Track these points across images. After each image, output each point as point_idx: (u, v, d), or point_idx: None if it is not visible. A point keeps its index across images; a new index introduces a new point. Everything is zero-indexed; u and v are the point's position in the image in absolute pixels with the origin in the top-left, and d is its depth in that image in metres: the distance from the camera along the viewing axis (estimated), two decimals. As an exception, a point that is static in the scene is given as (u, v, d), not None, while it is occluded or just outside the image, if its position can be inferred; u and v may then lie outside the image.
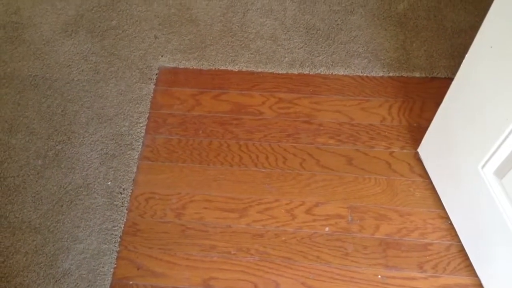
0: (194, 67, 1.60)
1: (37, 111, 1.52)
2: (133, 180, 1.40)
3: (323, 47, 1.58)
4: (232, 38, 1.64)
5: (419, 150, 1.36)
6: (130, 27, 1.67)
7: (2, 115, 1.51)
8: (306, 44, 1.60)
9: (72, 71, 1.59)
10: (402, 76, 1.50)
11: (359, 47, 1.57)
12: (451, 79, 1.08)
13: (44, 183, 1.40)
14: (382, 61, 1.53)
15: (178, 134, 1.47)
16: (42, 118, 1.50)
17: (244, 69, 1.58)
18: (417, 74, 1.50)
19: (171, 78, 1.59)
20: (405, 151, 1.38)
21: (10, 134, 1.48)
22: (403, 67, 1.51)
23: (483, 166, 1.05)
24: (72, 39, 1.65)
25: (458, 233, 1.24)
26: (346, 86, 1.50)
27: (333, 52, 1.57)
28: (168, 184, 1.39)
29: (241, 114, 1.49)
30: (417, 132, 1.40)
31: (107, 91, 1.55)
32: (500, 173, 1.02)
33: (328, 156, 1.39)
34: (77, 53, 1.63)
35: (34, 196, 1.38)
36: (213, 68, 1.59)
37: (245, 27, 1.65)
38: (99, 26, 1.68)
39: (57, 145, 1.45)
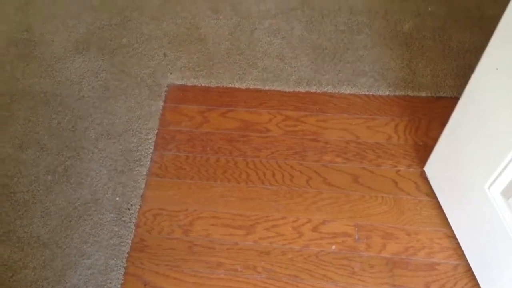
0: (203, 85, 1.62)
1: (48, 127, 1.54)
2: (141, 196, 1.41)
3: (329, 66, 1.60)
4: (240, 56, 1.66)
5: (425, 169, 1.37)
6: (140, 45, 1.70)
7: (13, 131, 1.53)
8: (312, 62, 1.62)
9: (83, 88, 1.61)
10: (408, 95, 1.52)
11: (365, 66, 1.59)
12: (457, 99, 1.10)
13: (53, 199, 1.41)
14: (388, 80, 1.55)
15: (186, 151, 1.49)
16: (53, 134, 1.52)
17: (252, 86, 1.60)
18: (423, 94, 1.51)
19: (180, 95, 1.61)
20: (411, 169, 1.39)
21: (20, 149, 1.50)
22: (409, 86, 1.53)
23: (490, 186, 1.05)
24: (83, 57, 1.68)
25: (465, 253, 1.24)
26: (352, 105, 1.52)
27: (340, 71, 1.59)
28: (175, 201, 1.40)
29: (249, 132, 1.51)
30: (423, 151, 1.41)
31: (116, 107, 1.57)
32: (507, 193, 1.03)
33: (335, 174, 1.40)
34: (88, 70, 1.65)
35: (43, 211, 1.39)
36: (221, 86, 1.61)
37: (253, 46, 1.68)
38: (110, 44, 1.71)
39: (66, 161, 1.47)
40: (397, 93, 1.52)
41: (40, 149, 1.50)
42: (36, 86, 1.63)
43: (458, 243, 1.26)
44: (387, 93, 1.53)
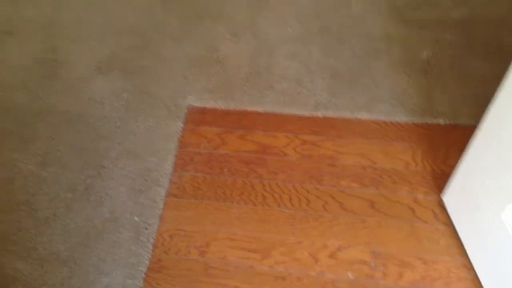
0: (221, 107, 1.65)
1: (70, 145, 1.58)
2: (159, 216, 1.43)
3: (347, 91, 1.62)
4: (258, 79, 1.69)
5: (443, 197, 1.37)
6: (161, 66, 1.74)
7: (35, 149, 1.57)
8: (330, 87, 1.64)
9: (105, 108, 1.65)
10: (425, 122, 1.52)
11: (382, 92, 1.60)
12: (475, 127, 1.11)
13: (73, 216, 1.44)
14: (406, 106, 1.56)
15: (204, 172, 1.51)
16: (74, 152, 1.56)
17: (270, 110, 1.63)
18: (440, 121, 1.52)
19: (199, 117, 1.64)
20: (429, 197, 1.39)
21: (42, 167, 1.53)
22: (426, 113, 1.54)
23: (507, 215, 1.05)
24: (106, 77, 1.73)
25: (483, 283, 1.23)
26: (369, 130, 1.53)
27: (357, 96, 1.60)
28: (192, 222, 1.42)
29: (266, 155, 1.53)
30: (440, 179, 1.41)
31: (137, 127, 1.60)
32: (526, 225, 1.02)
33: (351, 199, 1.41)
34: (110, 90, 1.70)
35: (63, 229, 1.42)
36: (239, 108, 1.64)
37: (271, 69, 1.71)
38: (131, 65, 1.75)
39: (87, 179, 1.50)
40: (414, 120, 1.53)
41: (62, 167, 1.53)
42: (60, 105, 1.67)
43: (475, 274, 1.25)
44: (404, 119, 1.54)
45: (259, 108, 1.63)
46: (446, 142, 1.48)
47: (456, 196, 1.30)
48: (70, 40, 1.83)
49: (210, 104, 1.66)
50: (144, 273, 1.34)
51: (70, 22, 1.88)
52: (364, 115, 1.56)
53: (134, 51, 1.79)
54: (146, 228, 1.41)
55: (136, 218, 1.43)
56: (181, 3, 1.89)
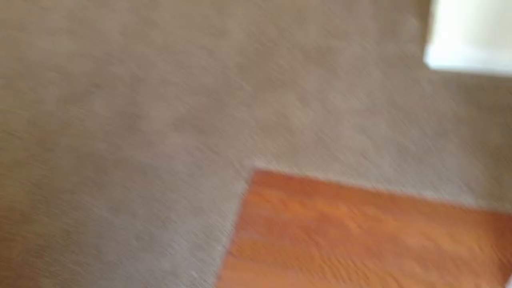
0: (285, 172, 1.70)
1: (141, 195, 1.67)
2: (217, 274, 1.46)
3: (413, 169, 1.62)
4: (323, 148, 1.73)
5: (510, 290, 1.31)
6: (231, 128, 1.84)
7: (109, 195, 1.68)
8: (396, 163, 1.65)
9: (176, 163, 1.75)
10: (494, 209, 1.49)
11: (450, 173, 1.59)
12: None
13: (137, 264, 1.50)
14: (474, 190, 1.54)
15: (264, 235, 1.54)
16: (144, 202, 1.65)
17: (333, 179, 1.65)
18: (509, 208, 1.48)
19: (263, 179, 1.69)
20: (494, 288, 1.34)
21: (114, 213, 1.63)
22: (495, 199, 1.50)
23: None
24: (179, 133, 1.84)
25: None
26: (434, 211, 1.51)
27: (423, 174, 1.60)
28: (248, 284, 1.43)
29: (326, 224, 1.54)
30: (506, 269, 1.36)
31: (203, 184, 1.68)
32: None
33: (412, 282, 1.38)
34: (182, 146, 1.80)
35: (126, 275, 1.48)
36: (303, 175, 1.68)
37: (337, 140, 1.75)
38: (204, 125, 1.86)
39: (153, 230, 1.58)
40: (482, 205, 1.50)
41: (131, 215, 1.62)
42: (136, 156, 1.79)
43: None
44: (472, 203, 1.51)
45: (323, 176, 1.66)
46: (516, 232, 1.44)
47: (525, 291, 1.24)
48: (151, 96, 1.98)
49: (274, 168, 1.71)
50: (198, 331, 1.36)
51: (153, 80, 2.04)
52: (430, 195, 1.55)
53: (207, 112, 1.90)
54: (203, 286, 1.44)
55: (194, 274, 1.47)
56: (255, 70, 2.01)
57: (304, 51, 2.02)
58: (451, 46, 1.88)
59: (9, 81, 2.09)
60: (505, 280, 1.34)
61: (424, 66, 1.94)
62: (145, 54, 2.13)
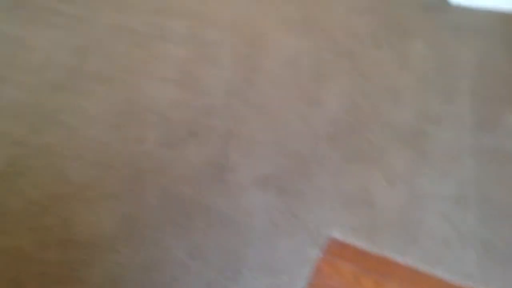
0: (362, 247, 1.68)
1: (217, 244, 1.73)
2: None
3: (500, 269, 1.53)
4: (404, 230, 1.70)
5: None
6: (313, 194, 1.87)
7: (189, 239, 1.75)
8: (481, 259, 1.57)
9: (255, 219, 1.80)
10: None
11: (542, 281, 1.49)
12: None
13: (203, 312, 1.53)
14: None
15: (332, 308, 1.51)
16: (220, 252, 1.70)
17: (410, 263, 1.60)
18: None
19: (338, 250, 1.68)
20: None
21: (190, 257, 1.69)
22: None
23: None
24: (262, 191, 1.90)
25: None
26: (520, 319, 1.41)
27: (511, 278, 1.51)
28: None
29: (399, 310, 1.48)
30: None
31: (278, 245, 1.70)
32: None
33: None
34: (263, 204, 1.85)
35: (191, 321, 1.51)
36: (379, 253, 1.65)
37: (419, 223, 1.71)
38: (287, 186, 1.91)
39: (223, 281, 1.61)
40: None
41: (206, 262, 1.67)
42: (218, 205, 1.87)
43: None
44: None
45: (400, 259, 1.62)
46: None
47: None
48: (241, 151, 2.08)
49: (351, 241, 1.70)
50: None
51: (245, 136, 2.15)
52: (516, 300, 1.45)
53: (292, 175, 1.95)
54: None
55: (257, 333, 1.47)
56: (345, 142, 2.05)
57: (395, 130, 2.04)
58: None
59: (116, 119, 2.31)
60: None
61: (521, 163, 1.87)
62: (241, 111, 2.27)
